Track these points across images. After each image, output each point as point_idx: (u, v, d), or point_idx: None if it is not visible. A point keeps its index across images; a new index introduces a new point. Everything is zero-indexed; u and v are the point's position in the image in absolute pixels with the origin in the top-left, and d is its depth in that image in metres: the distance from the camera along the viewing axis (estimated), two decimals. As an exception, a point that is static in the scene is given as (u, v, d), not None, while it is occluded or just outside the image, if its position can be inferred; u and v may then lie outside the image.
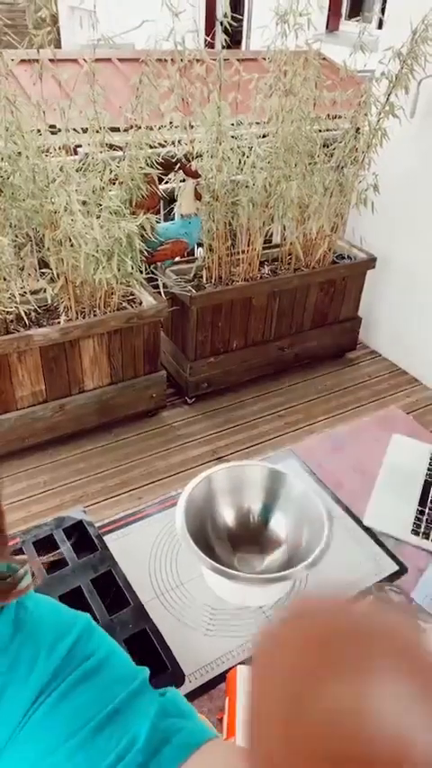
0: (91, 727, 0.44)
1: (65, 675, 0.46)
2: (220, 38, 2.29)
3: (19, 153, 1.92)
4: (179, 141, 2.26)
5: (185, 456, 2.46)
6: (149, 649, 0.87)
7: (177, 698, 0.50)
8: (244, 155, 2.31)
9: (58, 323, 2.20)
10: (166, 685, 0.82)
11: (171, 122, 2.18)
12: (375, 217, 2.57)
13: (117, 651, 0.51)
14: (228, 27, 2.10)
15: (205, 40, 2.36)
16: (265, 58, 2.33)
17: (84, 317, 2.25)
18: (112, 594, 0.94)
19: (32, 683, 0.45)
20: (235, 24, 2.12)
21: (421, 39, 2.25)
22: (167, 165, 2.24)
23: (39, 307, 2.26)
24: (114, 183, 2.12)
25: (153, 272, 2.40)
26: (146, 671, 0.50)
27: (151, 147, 2.13)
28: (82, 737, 0.43)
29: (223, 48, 2.29)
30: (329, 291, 2.85)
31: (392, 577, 1.06)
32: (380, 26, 3.16)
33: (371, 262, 2.88)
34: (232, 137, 2.28)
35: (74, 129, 1.99)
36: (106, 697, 0.46)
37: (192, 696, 0.87)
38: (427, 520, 1.15)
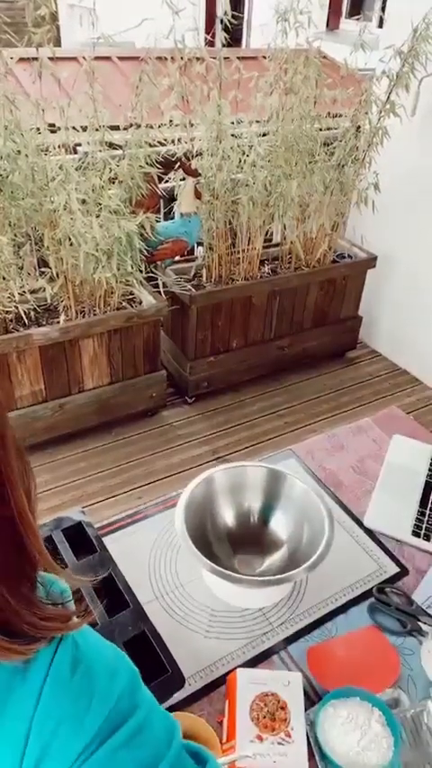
0: None
1: (117, 724, 0.47)
2: (221, 36, 2.28)
3: (18, 151, 1.91)
4: (179, 140, 2.26)
5: (185, 456, 2.46)
6: (149, 652, 0.86)
7: None
8: (244, 153, 2.31)
9: (58, 322, 2.20)
10: (166, 689, 0.82)
11: (171, 121, 2.17)
12: (376, 216, 2.57)
13: (154, 703, 0.52)
14: (228, 25, 2.10)
15: (205, 39, 2.35)
16: (265, 57, 2.33)
17: (83, 317, 2.24)
18: (111, 596, 0.93)
19: (87, 725, 0.45)
20: (235, 22, 2.11)
21: (422, 37, 2.25)
22: (167, 164, 2.23)
23: (38, 306, 2.25)
24: (114, 182, 2.11)
25: (153, 272, 2.40)
26: (176, 724, 0.52)
27: (151, 145, 2.12)
28: None
29: (223, 46, 2.27)
30: (330, 290, 2.85)
31: (393, 579, 1.05)
32: (380, 24, 3.15)
33: (371, 261, 2.87)
34: (232, 135, 2.27)
35: (73, 128, 1.98)
36: (153, 754, 0.48)
37: (191, 699, 0.86)
38: (427, 521, 1.15)
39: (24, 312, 2.15)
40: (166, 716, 0.52)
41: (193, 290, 2.44)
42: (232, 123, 2.25)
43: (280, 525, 1.07)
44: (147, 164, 2.11)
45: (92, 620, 0.49)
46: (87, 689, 0.46)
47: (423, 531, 1.12)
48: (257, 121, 2.35)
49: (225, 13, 2.09)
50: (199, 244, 2.61)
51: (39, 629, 0.44)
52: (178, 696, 0.85)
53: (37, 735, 0.44)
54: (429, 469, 1.26)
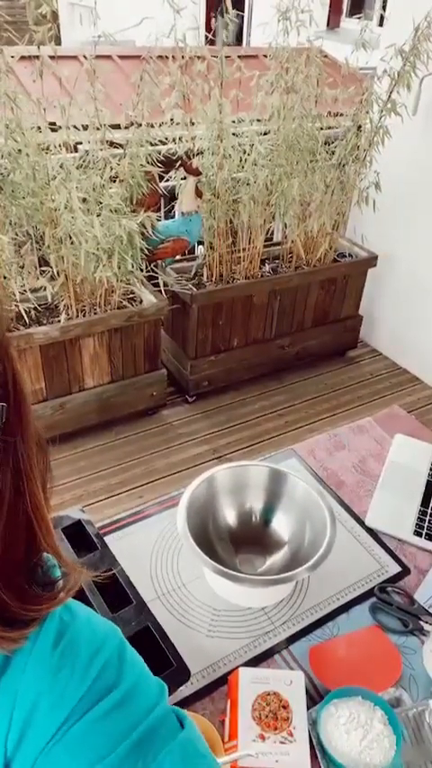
0: (118, 753, 0.45)
1: (99, 697, 0.47)
2: (222, 35, 2.27)
3: (19, 150, 1.91)
4: (180, 138, 2.25)
5: (186, 455, 2.46)
6: (153, 647, 0.86)
7: (195, 737, 0.51)
8: (245, 152, 2.30)
9: (59, 321, 2.20)
10: (171, 683, 0.82)
11: (172, 119, 2.17)
12: (377, 215, 2.57)
13: (144, 674, 0.52)
14: (228, 22, 2.09)
15: (206, 37, 2.34)
16: (266, 55, 2.32)
17: (84, 316, 2.24)
18: (114, 593, 0.93)
19: (67, 699, 0.46)
20: (236, 21, 2.11)
21: (423, 36, 2.24)
22: (168, 163, 2.23)
23: (39, 305, 2.25)
24: (115, 181, 2.11)
25: (154, 271, 2.39)
26: (165, 692, 0.52)
27: (152, 144, 2.12)
28: (111, 763, 0.45)
29: (224, 45, 2.27)
30: (330, 290, 2.85)
31: (395, 579, 1.05)
32: (381, 23, 3.14)
33: (372, 260, 2.87)
34: (233, 134, 2.27)
35: (74, 127, 1.98)
36: (133, 724, 0.48)
37: (194, 698, 0.86)
38: (429, 520, 1.15)
39: (25, 311, 2.15)
40: (156, 684, 0.52)
41: (194, 288, 2.44)
42: (233, 122, 2.25)
43: (282, 525, 1.07)
44: (148, 162, 2.11)
45: (75, 592, 0.49)
46: (69, 662, 0.46)
47: (425, 531, 1.12)
48: (258, 120, 2.35)
49: (226, 12, 2.08)
50: (200, 243, 2.61)
51: (29, 612, 0.44)
52: (180, 694, 0.85)
53: (20, 708, 0.45)
54: (431, 469, 1.26)
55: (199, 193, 2.32)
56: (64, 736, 0.45)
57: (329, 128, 2.51)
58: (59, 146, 1.99)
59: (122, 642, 0.51)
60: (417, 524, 1.14)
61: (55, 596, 0.47)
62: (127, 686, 0.48)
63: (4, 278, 2.07)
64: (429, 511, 1.17)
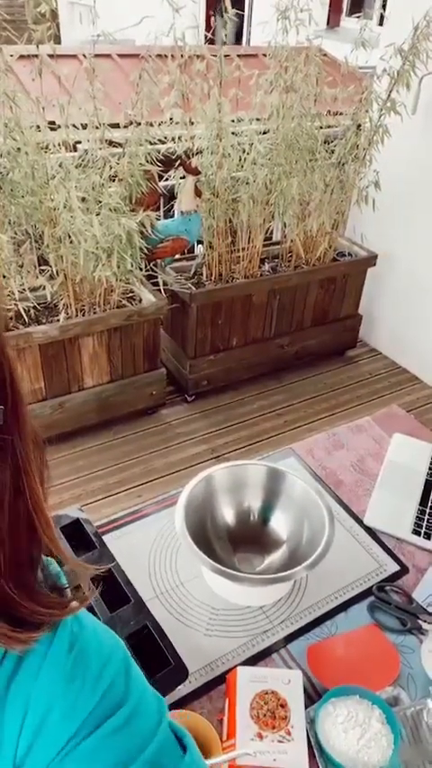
0: None
1: (108, 712, 0.47)
2: (221, 34, 2.27)
3: (18, 149, 1.91)
4: (179, 138, 2.25)
5: (185, 454, 2.46)
6: (152, 645, 0.86)
7: (196, 761, 0.52)
8: (244, 151, 2.30)
9: (58, 320, 2.20)
10: (169, 681, 0.82)
11: (171, 119, 2.16)
12: (376, 214, 2.57)
13: (146, 689, 0.52)
14: (227, 21, 2.09)
15: (205, 36, 2.34)
16: (265, 54, 2.32)
17: (83, 315, 2.24)
18: (112, 591, 0.93)
19: (79, 711, 0.46)
20: (236, 20, 2.11)
21: (423, 35, 2.24)
22: (167, 162, 2.23)
23: (38, 304, 2.25)
24: (114, 180, 2.11)
25: (153, 270, 2.39)
26: (164, 707, 0.53)
27: (151, 143, 2.12)
28: None
29: (223, 44, 2.27)
30: (330, 289, 2.85)
31: (393, 577, 1.05)
32: (381, 22, 3.15)
33: (371, 259, 2.87)
34: (233, 133, 2.27)
35: (73, 126, 1.98)
36: (140, 744, 0.48)
37: (192, 696, 0.86)
38: (428, 519, 1.15)
39: (24, 310, 2.15)
40: (155, 698, 0.52)
41: (193, 288, 2.44)
42: (233, 121, 2.25)
43: (280, 524, 1.07)
44: (147, 161, 2.11)
45: (88, 604, 0.50)
46: (81, 672, 0.47)
47: (423, 530, 1.12)
48: (258, 119, 2.35)
49: (226, 11, 2.08)
50: (199, 242, 2.61)
51: (40, 615, 0.45)
52: (179, 693, 0.85)
53: (33, 713, 0.45)
54: (429, 468, 1.27)
55: (198, 193, 2.32)
56: (75, 749, 0.45)
57: (329, 127, 2.51)
58: (58, 145, 1.99)
59: (127, 655, 0.52)
60: (415, 523, 1.14)
61: (66, 604, 0.47)
62: (134, 702, 0.49)
63: (4, 277, 2.07)
64: (428, 510, 1.17)
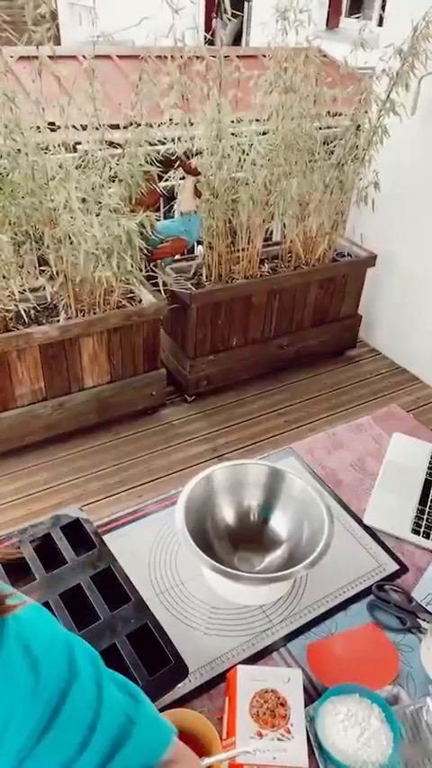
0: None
1: (56, 710, 0.53)
2: (220, 34, 2.27)
3: (18, 150, 1.91)
4: (179, 138, 2.25)
5: (185, 454, 2.46)
6: (152, 644, 0.87)
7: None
8: (244, 152, 2.30)
9: (58, 321, 2.20)
10: (169, 679, 0.83)
11: (171, 119, 2.17)
12: (376, 214, 2.57)
13: (82, 650, 0.59)
14: (227, 22, 2.09)
15: (205, 37, 2.34)
16: (265, 55, 2.32)
17: (83, 315, 2.24)
18: (112, 591, 0.94)
19: (37, 709, 0.51)
20: (235, 21, 2.11)
21: (422, 36, 2.24)
22: (167, 163, 2.23)
23: (38, 304, 2.25)
24: (114, 181, 2.11)
25: (153, 270, 2.40)
26: (97, 657, 0.60)
27: (151, 144, 2.12)
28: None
29: (223, 44, 2.27)
30: (329, 289, 2.85)
31: (392, 576, 1.05)
32: (380, 23, 3.15)
33: (371, 259, 2.87)
34: (232, 134, 2.27)
35: (73, 126, 1.98)
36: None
37: (192, 695, 0.87)
38: (427, 519, 1.15)
39: (24, 311, 2.15)
40: (89, 653, 0.59)
41: (193, 288, 2.45)
42: (232, 122, 2.25)
43: (280, 523, 1.08)
44: (147, 162, 2.11)
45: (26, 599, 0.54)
46: (32, 667, 0.51)
47: (422, 529, 1.13)
48: (257, 120, 2.35)
49: (225, 12, 2.08)
50: (199, 242, 2.61)
51: None
52: (179, 692, 0.86)
53: None
54: (429, 467, 1.27)
55: (198, 193, 2.32)
56: (37, 745, 0.51)
57: (328, 127, 2.51)
58: (58, 145, 1.99)
59: (69, 640, 0.59)
60: (415, 522, 1.14)
61: None
62: (81, 680, 0.56)
63: (4, 277, 2.08)
64: (427, 509, 1.17)
